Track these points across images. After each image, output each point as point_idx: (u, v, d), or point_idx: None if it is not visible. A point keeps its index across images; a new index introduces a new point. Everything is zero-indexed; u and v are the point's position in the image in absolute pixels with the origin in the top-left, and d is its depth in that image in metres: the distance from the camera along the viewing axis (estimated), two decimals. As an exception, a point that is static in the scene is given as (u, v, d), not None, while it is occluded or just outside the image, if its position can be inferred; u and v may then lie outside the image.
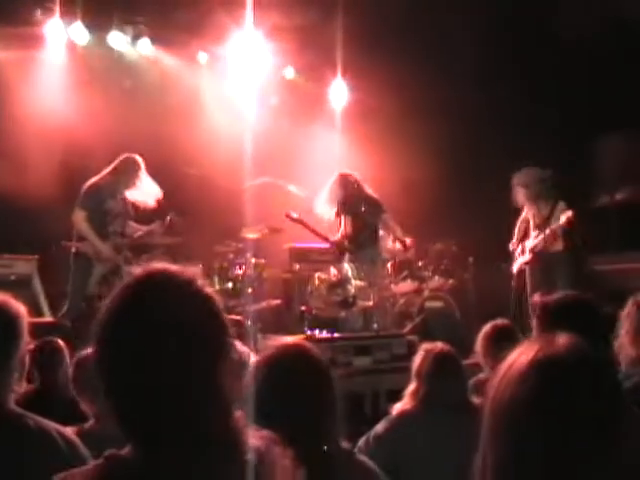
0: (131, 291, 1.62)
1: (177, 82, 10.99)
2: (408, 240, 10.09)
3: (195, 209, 9.86)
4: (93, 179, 8.56)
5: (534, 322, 3.41)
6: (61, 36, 10.31)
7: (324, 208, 9.05)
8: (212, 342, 1.59)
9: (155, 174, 9.61)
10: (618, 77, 10.79)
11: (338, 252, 8.80)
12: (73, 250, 8.38)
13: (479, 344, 5.12)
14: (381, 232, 9.26)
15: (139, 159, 8.66)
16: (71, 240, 8.35)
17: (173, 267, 1.68)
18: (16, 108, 9.48)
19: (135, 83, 10.97)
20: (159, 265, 1.69)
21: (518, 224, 9.39)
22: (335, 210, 9.08)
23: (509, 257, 9.70)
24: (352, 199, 9.04)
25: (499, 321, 5.20)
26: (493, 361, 4.91)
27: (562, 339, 1.50)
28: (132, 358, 1.54)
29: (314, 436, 2.39)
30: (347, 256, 8.76)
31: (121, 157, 8.68)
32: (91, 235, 8.37)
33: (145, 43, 11.03)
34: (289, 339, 2.63)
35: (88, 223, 8.36)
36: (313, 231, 8.72)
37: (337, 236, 9.04)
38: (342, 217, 9.12)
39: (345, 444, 2.67)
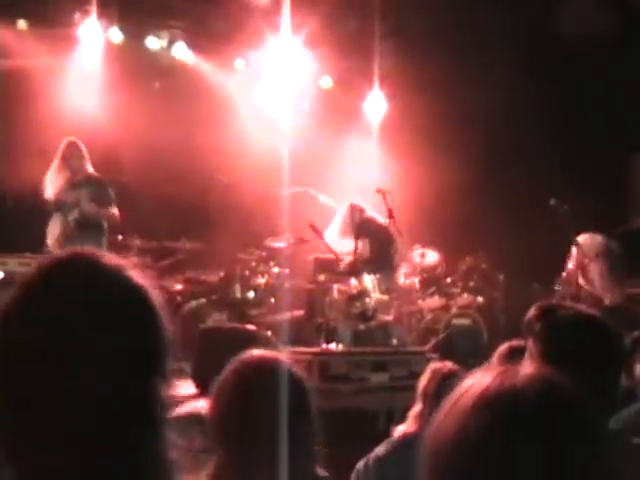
0: (29, 283, 1.32)
1: (211, 88, 10.90)
2: (437, 256, 9.92)
3: (221, 215, 9.78)
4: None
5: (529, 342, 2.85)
6: (97, 38, 10.32)
7: (339, 241, 8.91)
8: (139, 350, 1.31)
9: (183, 178, 9.56)
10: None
11: (349, 273, 8.63)
12: None
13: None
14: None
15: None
16: None
17: (102, 253, 1.37)
18: (49, 109, 9.49)
19: (169, 87, 10.93)
20: (83, 250, 1.37)
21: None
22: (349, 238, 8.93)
23: (543, 277, 9.45)
24: (365, 224, 8.85)
25: (515, 342, 4.94)
26: None
27: (528, 368, 1.23)
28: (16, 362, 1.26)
29: (279, 460, 2.16)
30: (369, 269, 8.58)
31: None
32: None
33: (181, 47, 10.98)
34: (258, 352, 2.37)
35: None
36: (329, 250, 8.58)
37: (350, 258, 8.86)
38: (357, 240, 8.94)
39: (321, 471, 2.40)
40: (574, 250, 9.03)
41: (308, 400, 2.28)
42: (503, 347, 4.85)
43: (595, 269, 8.72)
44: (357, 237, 8.87)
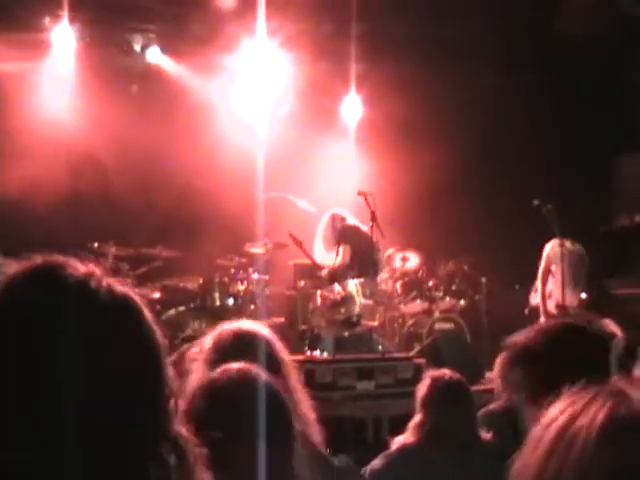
0: None
1: (187, 92, 10.74)
2: (418, 259, 9.84)
3: (199, 222, 9.63)
4: None
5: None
6: (69, 43, 10.15)
7: (324, 254, 8.76)
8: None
9: (160, 184, 9.42)
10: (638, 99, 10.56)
11: (329, 280, 8.48)
12: None
13: (496, 370, 4.68)
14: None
15: None
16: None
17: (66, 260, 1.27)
18: (23, 114, 9.36)
19: (143, 92, 10.75)
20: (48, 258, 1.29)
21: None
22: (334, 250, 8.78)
23: (524, 279, 9.37)
24: (346, 231, 8.70)
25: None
26: (510, 390, 4.52)
27: (635, 391, 1.06)
28: None
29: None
30: (351, 274, 8.43)
31: None
32: None
33: (155, 52, 10.80)
34: (234, 365, 2.21)
35: None
36: (310, 258, 8.43)
37: (330, 266, 8.70)
38: (339, 247, 8.79)
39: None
40: (544, 260, 9.02)
41: (287, 415, 2.13)
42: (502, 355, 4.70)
43: (557, 274, 8.71)
44: (338, 244, 8.73)
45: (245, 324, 2.85)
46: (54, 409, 1.14)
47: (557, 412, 1.07)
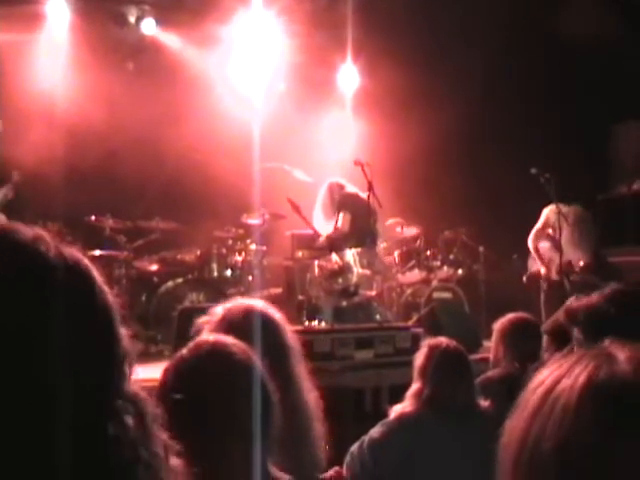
0: None
1: (181, 64, 10.65)
2: (416, 229, 9.83)
3: (196, 194, 9.61)
4: None
5: (575, 331, 2.74)
6: (63, 15, 10.09)
7: (324, 223, 8.73)
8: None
9: (156, 156, 9.39)
10: (636, 67, 10.56)
11: (328, 248, 8.44)
12: None
13: (496, 337, 4.70)
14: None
15: None
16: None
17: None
18: (18, 87, 9.29)
19: (139, 64, 10.68)
20: None
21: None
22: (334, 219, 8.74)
23: (522, 249, 9.38)
24: (345, 199, 8.69)
25: (513, 316, 4.79)
26: (512, 357, 4.55)
27: (623, 353, 1.07)
28: None
29: (224, 459, 1.96)
30: (349, 243, 8.40)
31: None
32: None
33: (149, 24, 10.70)
34: (208, 336, 2.17)
35: None
36: (308, 224, 8.40)
37: (329, 232, 8.66)
38: (338, 214, 8.76)
39: (284, 475, 2.15)
40: (542, 221, 9.03)
41: (268, 390, 2.07)
42: (504, 322, 4.71)
43: (568, 235, 8.73)
44: (337, 211, 8.70)
45: (258, 303, 2.81)
46: (6, 373, 1.13)
47: (545, 375, 1.09)
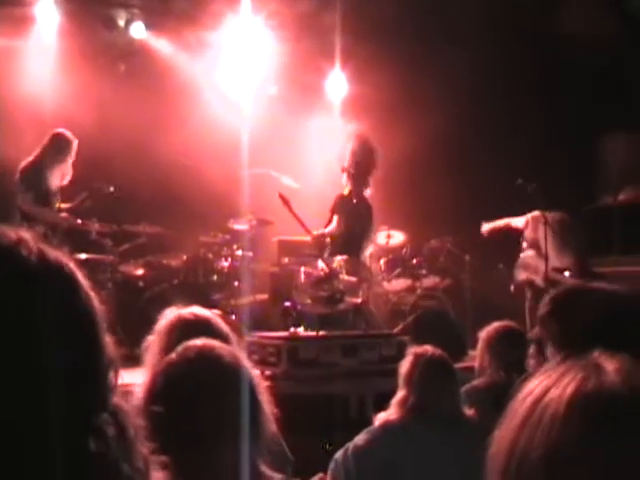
0: None
1: (171, 68, 10.65)
2: (402, 237, 9.85)
3: (182, 198, 9.59)
4: (28, 159, 8.35)
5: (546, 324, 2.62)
6: (52, 18, 10.07)
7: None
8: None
9: (144, 160, 9.37)
10: (622, 77, 10.69)
11: (316, 248, 8.42)
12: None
13: (481, 346, 4.70)
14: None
15: (70, 135, 8.44)
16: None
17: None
18: (5, 91, 9.33)
19: (128, 68, 10.69)
20: None
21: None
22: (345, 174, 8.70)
23: (509, 258, 9.42)
24: (338, 203, 8.66)
25: (499, 324, 4.80)
26: (497, 366, 4.56)
27: (612, 364, 1.07)
28: None
29: (214, 462, 1.96)
30: (338, 249, 8.39)
31: (53, 133, 8.46)
32: (47, 214, 8.24)
33: (139, 27, 10.69)
34: (196, 341, 2.16)
35: (36, 204, 8.18)
36: (298, 220, 8.36)
37: (321, 231, 8.65)
38: (335, 214, 8.75)
39: (275, 475, 2.15)
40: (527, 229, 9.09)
41: (257, 395, 2.08)
42: (489, 331, 4.72)
43: (553, 242, 8.78)
44: (331, 213, 8.71)
45: (198, 310, 2.89)
46: None
47: (534, 385, 1.09)
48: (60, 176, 8.41)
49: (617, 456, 0.98)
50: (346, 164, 8.72)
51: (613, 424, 1.00)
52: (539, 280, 8.94)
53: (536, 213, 8.96)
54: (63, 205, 8.58)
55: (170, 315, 2.92)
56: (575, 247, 9.02)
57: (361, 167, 8.70)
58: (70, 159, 8.44)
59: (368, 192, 8.88)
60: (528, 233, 9.22)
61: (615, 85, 10.69)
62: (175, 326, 2.82)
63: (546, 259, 8.67)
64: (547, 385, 1.06)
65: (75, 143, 8.44)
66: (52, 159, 8.33)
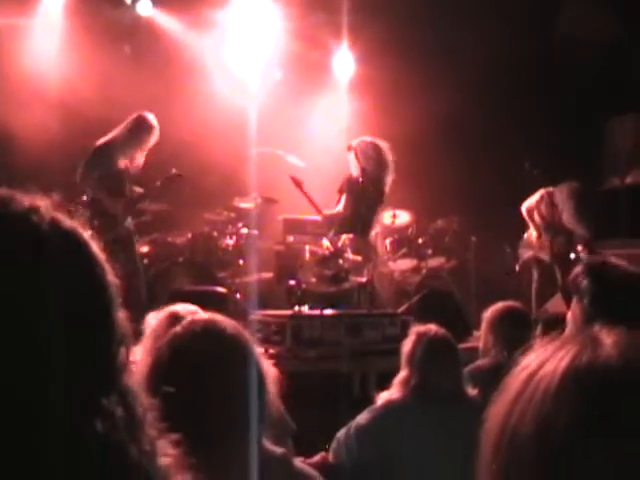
0: None
1: (177, 46, 10.61)
2: (408, 216, 9.83)
3: (188, 176, 9.56)
4: (105, 138, 8.20)
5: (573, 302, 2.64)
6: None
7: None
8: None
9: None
10: (630, 59, 10.62)
11: (325, 227, 8.40)
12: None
13: (485, 326, 4.70)
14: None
15: (153, 120, 8.25)
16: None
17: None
18: (12, 69, 9.32)
19: (134, 46, 10.65)
20: None
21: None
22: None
23: (515, 239, 9.41)
24: (346, 183, 8.64)
25: (503, 305, 4.78)
26: (501, 346, 4.55)
27: (610, 337, 1.05)
28: None
29: (222, 437, 1.95)
30: (344, 228, 8.36)
31: (135, 116, 8.28)
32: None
33: (145, 4, 10.67)
34: (202, 315, 2.15)
35: (100, 183, 8.01)
36: (310, 200, 8.34)
37: (331, 211, 8.63)
38: (344, 194, 8.73)
39: (276, 448, 2.18)
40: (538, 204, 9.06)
41: (261, 370, 2.07)
42: (493, 311, 4.71)
43: (568, 212, 8.77)
44: (340, 191, 8.68)
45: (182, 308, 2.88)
46: None
47: (530, 359, 1.08)
48: (130, 160, 8.20)
49: (610, 431, 0.96)
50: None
51: (607, 398, 0.98)
52: (545, 255, 8.94)
53: (549, 189, 8.97)
54: (137, 189, 8.42)
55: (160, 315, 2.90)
56: (588, 213, 8.97)
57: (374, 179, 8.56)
58: (147, 144, 8.24)
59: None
60: (542, 208, 9.20)
61: (625, 67, 10.63)
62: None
63: (551, 233, 8.67)
64: (543, 359, 1.04)
65: (156, 130, 8.23)
66: (127, 141, 8.14)
